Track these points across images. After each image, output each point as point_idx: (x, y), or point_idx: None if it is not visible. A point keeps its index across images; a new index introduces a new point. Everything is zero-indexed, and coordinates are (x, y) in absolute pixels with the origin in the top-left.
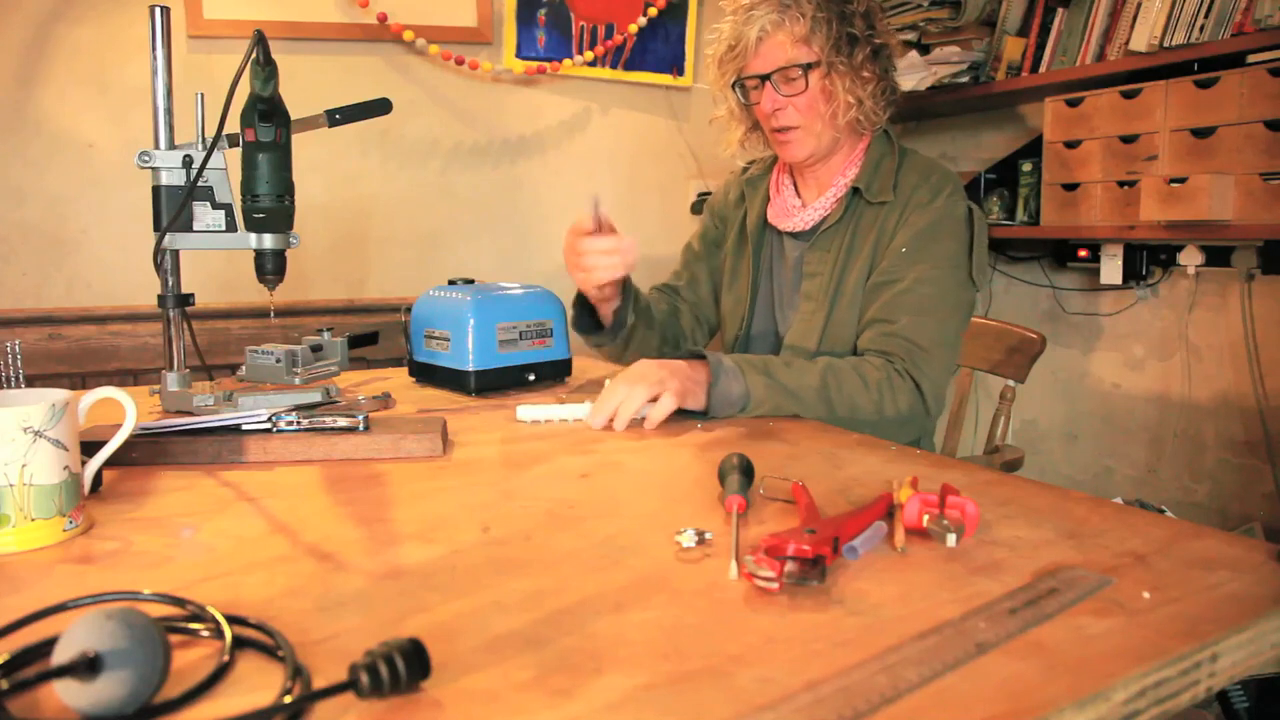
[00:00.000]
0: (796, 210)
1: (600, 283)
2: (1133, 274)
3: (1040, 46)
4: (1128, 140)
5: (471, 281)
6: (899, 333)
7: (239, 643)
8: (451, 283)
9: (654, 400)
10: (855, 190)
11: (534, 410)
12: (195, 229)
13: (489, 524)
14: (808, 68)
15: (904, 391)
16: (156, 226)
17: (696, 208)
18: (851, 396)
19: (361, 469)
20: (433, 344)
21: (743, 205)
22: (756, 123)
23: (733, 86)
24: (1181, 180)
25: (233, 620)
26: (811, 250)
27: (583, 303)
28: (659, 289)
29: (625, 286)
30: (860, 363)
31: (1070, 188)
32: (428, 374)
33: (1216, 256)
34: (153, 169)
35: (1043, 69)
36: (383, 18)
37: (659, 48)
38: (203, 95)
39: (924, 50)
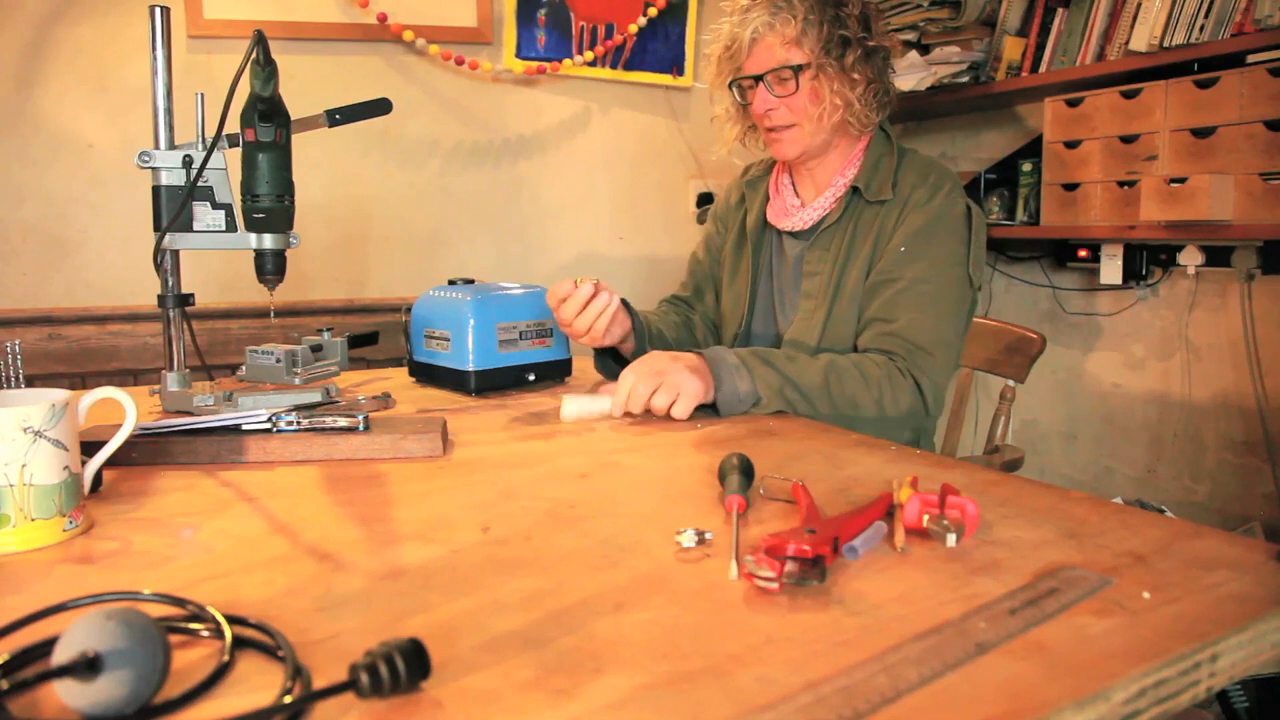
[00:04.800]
0: (796, 210)
1: (598, 339)
2: (1133, 274)
3: (1040, 46)
4: (1128, 140)
5: (471, 281)
6: (898, 332)
7: (239, 643)
8: (451, 283)
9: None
10: (855, 190)
11: (576, 405)
12: (195, 229)
13: (489, 524)
14: (798, 69)
15: (904, 390)
16: (156, 226)
17: (701, 202)
18: (853, 394)
19: (361, 469)
20: (433, 344)
21: (743, 206)
22: (754, 122)
23: (729, 86)
24: (1181, 180)
25: (233, 620)
26: (811, 249)
27: (601, 350)
28: (669, 301)
29: (634, 323)
30: (862, 359)
31: (1070, 188)
32: (428, 374)
33: (1216, 256)
34: (153, 169)
35: (1043, 69)
36: (383, 18)
37: (659, 48)
38: (203, 95)
39: (924, 50)
